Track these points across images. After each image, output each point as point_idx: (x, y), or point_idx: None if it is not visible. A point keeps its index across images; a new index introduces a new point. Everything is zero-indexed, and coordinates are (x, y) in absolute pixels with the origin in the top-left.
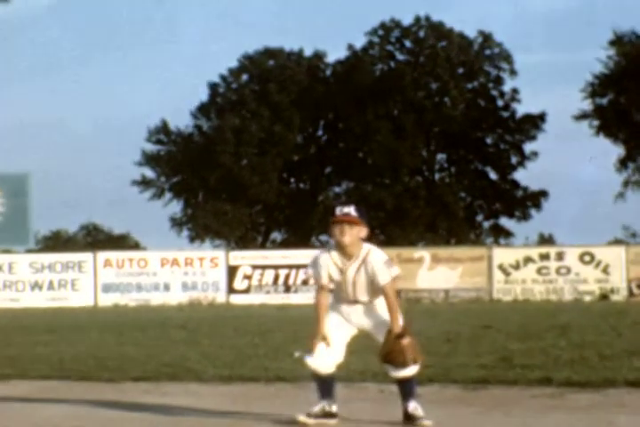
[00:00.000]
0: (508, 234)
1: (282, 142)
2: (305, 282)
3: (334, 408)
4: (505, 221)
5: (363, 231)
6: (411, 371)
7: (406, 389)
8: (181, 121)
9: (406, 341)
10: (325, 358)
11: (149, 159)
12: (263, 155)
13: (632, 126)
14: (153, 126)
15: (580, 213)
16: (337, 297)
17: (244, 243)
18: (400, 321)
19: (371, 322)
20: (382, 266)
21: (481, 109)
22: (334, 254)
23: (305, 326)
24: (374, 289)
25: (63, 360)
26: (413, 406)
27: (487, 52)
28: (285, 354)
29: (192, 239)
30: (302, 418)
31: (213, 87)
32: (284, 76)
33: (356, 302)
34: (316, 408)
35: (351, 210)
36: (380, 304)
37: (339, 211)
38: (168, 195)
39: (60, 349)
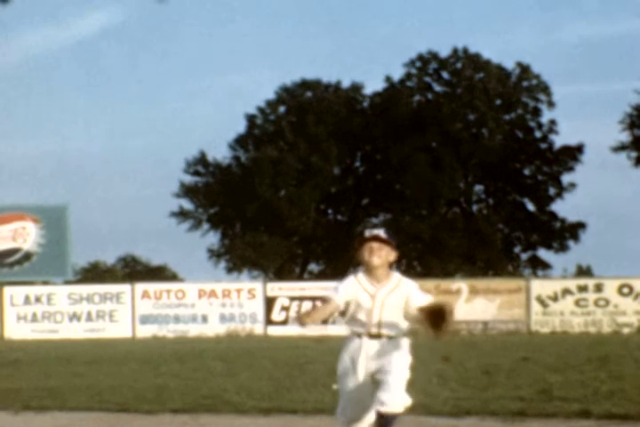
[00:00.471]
0: (545, 266)
1: (319, 174)
2: (342, 313)
3: None
4: (543, 253)
5: (392, 255)
6: (398, 406)
7: (381, 425)
8: (219, 152)
9: (449, 307)
10: (361, 421)
11: (187, 191)
12: (301, 186)
13: None
14: (191, 158)
15: (618, 245)
16: (359, 331)
17: (281, 274)
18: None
19: (380, 362)
20: (418, 291)
21: (519, 141)
22: (362, 279)
23: None
24: (400, 318)
25: (102, 392)
26: None
27: (525, 83)
28: (324, 386)
29: (229, 270)
30: None
31: (251, 119)
32: (322, 108)
33: (379, 335)
34: None
35: (380, 232)
36: (397, 344)
37: (367, 233)
38: (206, 226)
39: (98, 380)
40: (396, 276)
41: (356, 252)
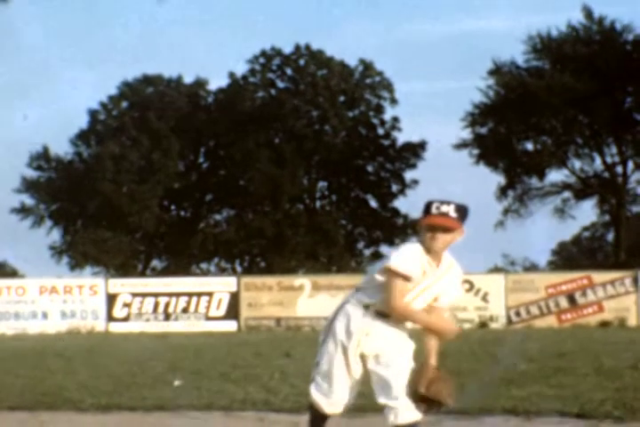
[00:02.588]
0: None
1: (162, 170)
2: (185, 310)
3: None
4: (385, 249)
5: (458, 236)
6: (415, 416)
7: None
8: (62, 147)
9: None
10: (337, 397)
11: (29, 186)
12: (143, 182)
13: (512, 155)
14: (34, 152)
15: (460, 241)
16: (368, 302)
17: (124, 271)
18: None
19: (380, 347)
20: (459, 284)
21: (362, 138)
22: (423, 253)
23: (184, 355)
24: (429, 305)
25: None
26: None
27: (368, 80)
28: (164, 383)
29: (72, 267)
30: None
31: (93, 114)
32: (164, 103)
33: (388, 315)
34: None
35: (450, 210)
36: (402, 328)
37: (435, 209)
38: (48, 222)
39: None
40: (447, 257)
41: (419, 223)
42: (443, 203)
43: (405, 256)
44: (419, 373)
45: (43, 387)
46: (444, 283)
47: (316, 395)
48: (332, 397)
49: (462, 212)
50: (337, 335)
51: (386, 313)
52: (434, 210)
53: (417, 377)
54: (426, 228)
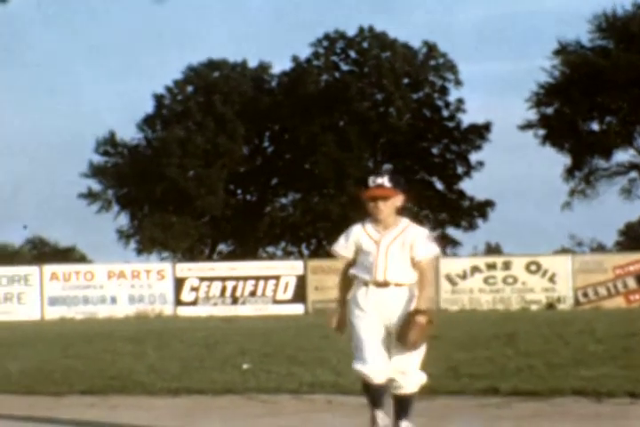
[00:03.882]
0: (454, 244)
1: (227, 154)
2: (252, 294)
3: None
4: (451, 231)
5: (398, 200)
6: (414, 387)
7: (403, 406)
8: (128, 133)
9: (422, 319)
10: (378, 364)
11: (96, 171)
12: (209, 166)
13: (578, 136)
14: (101, 138)
15: (527, 223)
16: (365, 279)
17: (190, 255)
18: (427, 300)
19: (399, 315)
20: (424, 239)
21: (426, 120)
22: (368, 226)
23: (252, 339)
24: (407, 266)
25: (9, 375)
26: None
27: (432, 62)
28: (233, 366)
29: (139, 252)
30: None
31: (159, 99)
32: (229, 88)
33: (385, 283)
34: (382, 422)
35: (384, 180)
36: (411, 295)
37: (371, 182)
38: (115, 207)
39: (5, 363)
40: (404, 222)
41: (362, 200)
42: (377, 175)
43: (339, 239)
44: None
45: (112, 371)
46: (405, 240)
47: (358, 367)
48: (371, 366)
49: (396, 180)
50: (353, 314)
51: (381, 282)
52: (371, 183)
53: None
54: (368, 199)
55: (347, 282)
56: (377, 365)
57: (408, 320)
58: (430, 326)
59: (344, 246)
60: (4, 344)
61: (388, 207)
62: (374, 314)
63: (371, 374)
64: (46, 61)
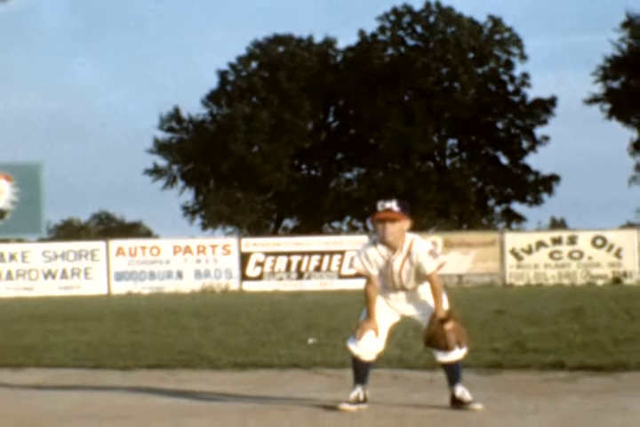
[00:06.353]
0: (519, 219)
1: (292, 129)
2: (317, 268)
3: (367, 394)
4: (517, 206)
5: (405, 225)
6: (456, 355)
7: (452, 373)
8: (193, 109)
9: (449, 325)
10: (370, 345)
11: (161, 147)
12: (274, 142)
13: None
14: (165, 114)
15: (592, 197)
16: (384, 285)
17: (256, 230)
18: (444, 306)
19: (417, 309)
20: (427, 256)
21: (491, 94)
22: (380, 247)
23: (318, 313)
24: (420, 277)
25: (77, 349)
26: (461, 391)
27: (497, 36)
28: (298, 341)
29: (204, 227)
30: (345, 406)
31: (223, 75)
32: (294, 63)
33: (402, 288)
34: (353, 394)
35: (393, 205)
36: (426, 291)
37: (380, 206)
38: (180, 183)
39: (73, 337)
40: (408, 240)
41: (371, 220)
42: (386, 201)
43: (356, 259)
44: (428, 326)
45: (179, 345)
46: (412, 259)
47: (350, 346)
48: (362, 348)
49: (403, 205)
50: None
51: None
52: (379, 208)
53: (426, 329)
54: (377, 222)
55: (374, 294)
56: (368, 347)
57: (437, 331)
58: (457, 322)
59: (367, 265)
60: (71, 319)
61: (395, 231)
62: (389, 305)
63: (362, 356)
64: (112, 34)
